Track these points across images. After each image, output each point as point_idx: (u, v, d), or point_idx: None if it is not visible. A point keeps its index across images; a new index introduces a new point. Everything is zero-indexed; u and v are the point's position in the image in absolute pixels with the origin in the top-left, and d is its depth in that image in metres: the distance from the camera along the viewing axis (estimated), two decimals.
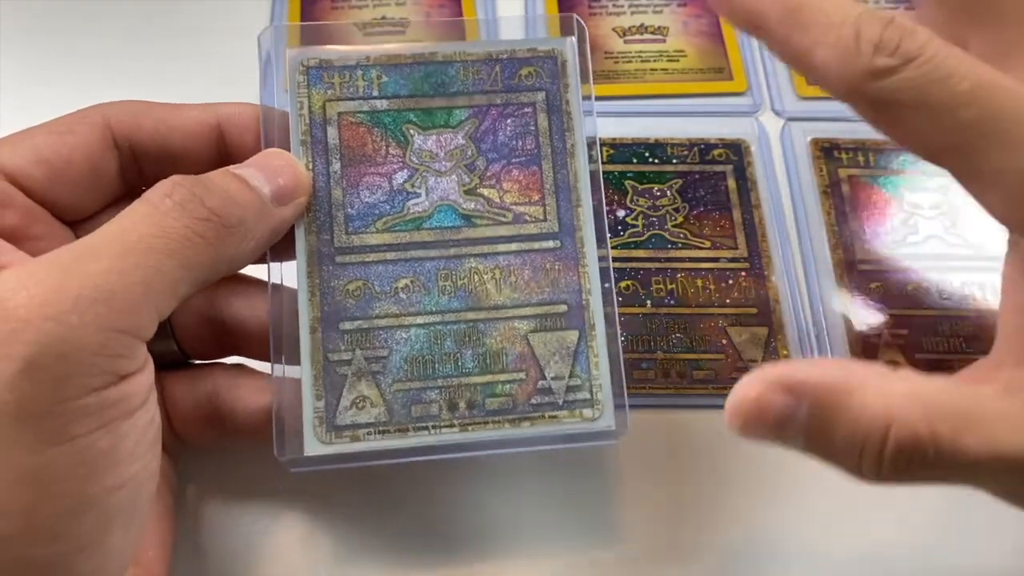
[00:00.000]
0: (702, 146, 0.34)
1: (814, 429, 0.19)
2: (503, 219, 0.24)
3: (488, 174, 0.24)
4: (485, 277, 0.24)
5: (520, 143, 0.25)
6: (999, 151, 0.20)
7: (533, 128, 0.25)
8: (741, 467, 0.27)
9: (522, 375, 0.23)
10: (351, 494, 0.26)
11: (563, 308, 0.24)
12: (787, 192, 0.34)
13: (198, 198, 0.21)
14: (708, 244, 0.32)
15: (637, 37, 0.37)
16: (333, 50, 0.25)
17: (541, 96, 0.25)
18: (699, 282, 0.31)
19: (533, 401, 0.23)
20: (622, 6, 0.38)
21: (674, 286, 0.30)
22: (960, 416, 0.19)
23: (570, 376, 0.23)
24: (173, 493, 0.25)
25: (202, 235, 0.20)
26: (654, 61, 0.36)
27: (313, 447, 0.22)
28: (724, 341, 0.30)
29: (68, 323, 0.18)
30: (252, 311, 0.24)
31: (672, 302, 0.30)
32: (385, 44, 0.25)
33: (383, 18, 0.36)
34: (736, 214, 0.32)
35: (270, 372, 0.23)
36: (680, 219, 0.32)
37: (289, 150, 0.24)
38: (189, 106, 0.25)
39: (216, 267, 0.21)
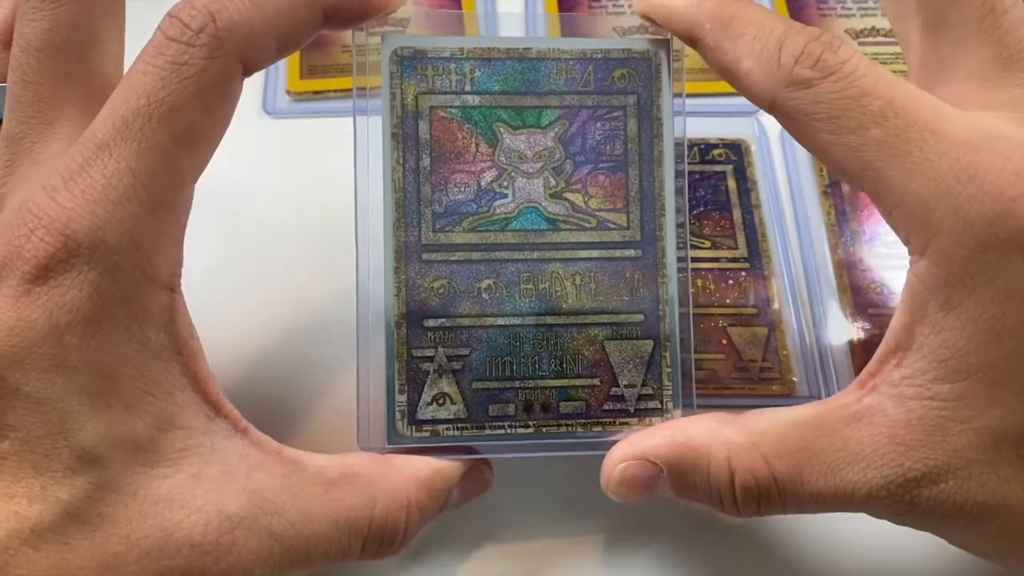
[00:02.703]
0: (702, 146, 0.34)
1: (677, 485, 0.22)
2: (587, 224, 0.25)
3: (574, 178, 0.25)
4: (566, 283, 0.24)
5: (608, 147, 0.25)
6: (901, 173, 0.20)
7: (622, 133, 0.25)
8: None
9: (596, 381, 0.24)
10: None
11: (640, 317, 0.24)
12: (787, 192, 0.34)
13: None
14: (708, 244, 0.32)
15: (638, 37, 0.36)
16: (428, 40, 0.24)
17: (632, 100, 0.25)
18: (699, 282, 0.31)
19: (605, 407, 0.24)
20: (622, 6, 0.38)
21: None
22: (799, 452, 0.21)
23: (642, 384, 0.24)
24: None
25: None
26: None
27: (395, 440, 0.23)
28: (724, 341, 0.30)
29: None
30: None
31: None
32: (480, 37, 0.25)
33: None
34: (736, 214, 0.33)
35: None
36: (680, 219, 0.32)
37: None
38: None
39: None
